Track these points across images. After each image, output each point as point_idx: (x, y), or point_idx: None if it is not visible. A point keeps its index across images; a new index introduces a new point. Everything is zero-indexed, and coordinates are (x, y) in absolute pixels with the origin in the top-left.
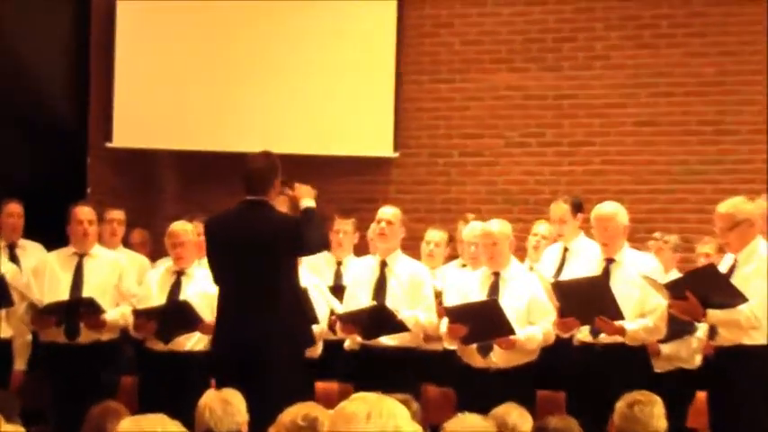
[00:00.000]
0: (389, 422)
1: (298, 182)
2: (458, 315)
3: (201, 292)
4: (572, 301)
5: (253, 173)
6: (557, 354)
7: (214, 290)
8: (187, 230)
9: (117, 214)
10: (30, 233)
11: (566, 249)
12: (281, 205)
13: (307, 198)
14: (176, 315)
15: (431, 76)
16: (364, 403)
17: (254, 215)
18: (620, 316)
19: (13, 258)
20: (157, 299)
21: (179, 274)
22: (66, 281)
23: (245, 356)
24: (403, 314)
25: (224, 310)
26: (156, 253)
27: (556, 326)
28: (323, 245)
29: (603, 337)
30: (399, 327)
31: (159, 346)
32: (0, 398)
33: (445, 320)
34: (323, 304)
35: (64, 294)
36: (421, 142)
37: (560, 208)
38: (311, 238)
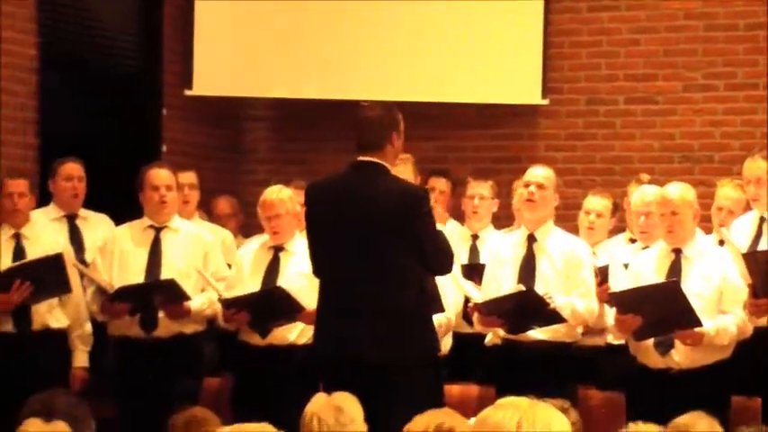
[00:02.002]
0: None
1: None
2: (628, 303)
3: (305, 271)
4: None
5: (365, 124)
6: (754, 349)
7: None
8: (283, 199)
9: (187, 177)
10: (94, 201)
11: (762, 219)
12: (403, 176)
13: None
14: (271, 304)
15: (589, 2)
16: (513, 410)
17: (369, 180)
18: None
19: (74, 232)
20: (251, 282)
21: (277, 250)
22: (140, 260)
23: (360, 357)
24: (556, 301)
25: (330, 300)
26: (246, 226)
27: (746, 309)
28: (447, 267)
29: None
30: (552, 317)
31: (256, 339)
32: (67, 404)
33: (612, 310)
34: (453, 289)
35: (138, 276)
36: (577, 86)
37: (757, 166)
38: (444, 250)
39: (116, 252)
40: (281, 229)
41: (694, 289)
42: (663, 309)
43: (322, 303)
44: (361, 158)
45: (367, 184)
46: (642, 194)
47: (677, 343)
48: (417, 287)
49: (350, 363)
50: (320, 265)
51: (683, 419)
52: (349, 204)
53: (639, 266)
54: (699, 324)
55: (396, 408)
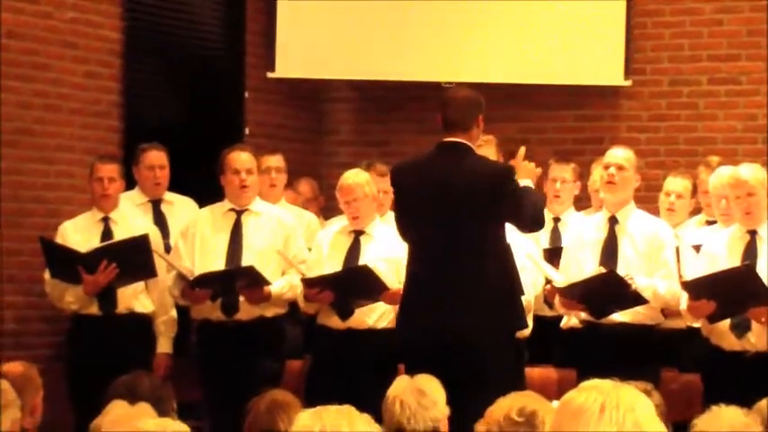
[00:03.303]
0: (628, 417)
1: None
2: (702, 289)
3: (385, 255)
4: None
5: (453, 105)
6: None
7: (401, 252)
8: (361, 183)
9: (274, 161)
10: (177, 184)
11: None
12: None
13: (525, 179)
14: (356, 282)
15: None
16: (597, 392)
17: (456, 160)
18: None
19: (159, 217)
20: (331, 265)
21: (357, 234)
22: (221, 244)
23: (445, 338)
24: (638, 283)
25: (416, 281)
26: (328, 209)
27: None
28: (539, 222)
29: None
30: (634, 299)
31: (335, 322)
32: (151, 387)
33: (685, 296)
34: (533, 272)
35: (219, 260)
36: (660, 67)
37: None
38: (527, 208)
39: (197, 236)
40: (360, 213)
41: None
42: (736, 292)
43: (410, 284)
44: (447, 139)
45: (454, 164)
46: (720, 177)
47: (754, 325)
48: (504, 266)
49: (439, 342)
50: (408, 241)
51: (766, 402)
52: (437, 185)
53: (713, 248)
54: None
55: (479, 389)
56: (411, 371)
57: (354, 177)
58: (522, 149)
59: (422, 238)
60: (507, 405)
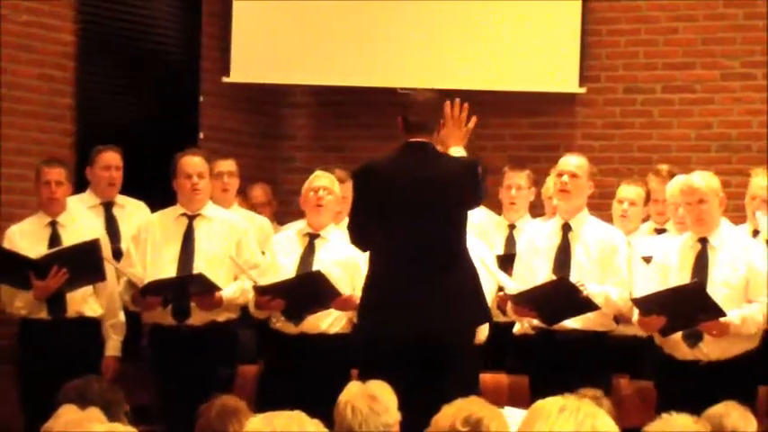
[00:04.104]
0: (587, 421)
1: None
2: (651, 305)
3: (340, 259)
4: None
5: (416, 107)
6: None
7: (355, 256)
8: (335, 182)
9: (227, 165)
10: (130, 188)
11: None
12: None
13: (455, 147)
14: (308, 289)
15: None
16: (562, 400)
17: (424, 159)
18: None
19: (110, 219)
20: (285, 268)
21: (312, 237)
22: (173, 249)
23: (420, 336)
24: (589, 289)
25: (384, 282)
26: (281, 214)
27: None
28: (483, 198)
29: None
30: (585, 305)
31: (288, 327)
32: (101, 391)
33: (636, 310)
34: (488, 279)
35: (171, 265)
36: (615, 75)
37: None
38: (480, 190)
39: (149, 241)
40: (329, 204)
41: (720, 278)
42: (686, 307)
43: (375, 286)
44: (412, 140)
45: (423, 163)
46: (675, 185)
47: (706, 335)
48: (470, 265)
49: (413, 340)
50: (368, 242)
51: (716, 410)
52: (407, 184)
53: (664, 260)
54: (722, 315)
55: (446, 396)
56: (372, 371)
57: (329, 175)
58: (447, 105)
59: (390, 238)
60: (452, 414)
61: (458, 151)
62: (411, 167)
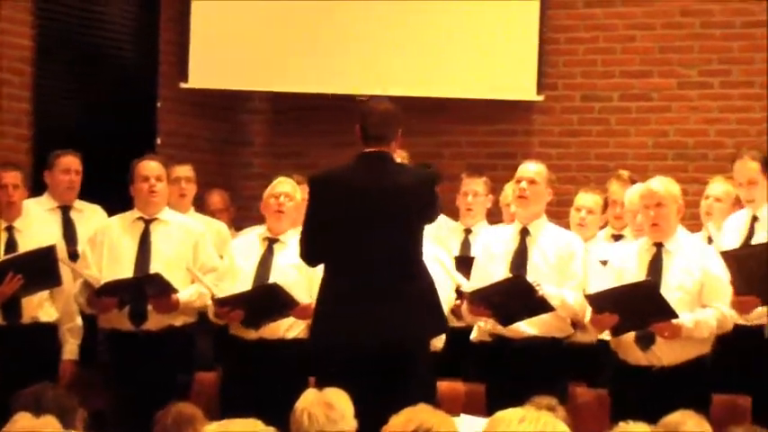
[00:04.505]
0: (546, 428)
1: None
2: (604, 302)
3: (298, 263)
4: (750, 274)
5: (373, 117)
6: (738, 346)
7: None
8: (297, 189)
9: (184, 171)
10: (88, 193)
11: (754, 218)
12: None
13: None
14: (266, 300)
15: None
16: (523, 411)
17: (381, 170)
18: None
19: (68, 223)
20: (243, 273)
21: (271, 242)
22: (129, 252)
23: (373, 350)
24: (545, 290)
25: (337, 292)
26: (239, 220)
27: (732, 306)
28: (439, 212)
29: None
30: (541, 305)
31: (247, 333)
32: (55, 398)
33: (589, 308)
34: (445, 281)
35: (127, 269)
36: (572, 82)
37: (748, 167)
38: (438, 207)
39: (105, 244)
40: (289, 210)
41: (675, 282)
42: (638, 306)
43: (330, 295)
44: (369, 150)
45: (379, 173)
46: (635, 191)
47: (658, 339)
48: (427, 269)
49: (370, 349)
50: (322, 252)
51: (672, 418)
52: (363, 194)
53: (620, 263)
54: (675, 316)
55: (392, 400)
56: (326, 380)
57: (292, 182)
58: None
59: (347, 248)
60: (402, 423)
61: None
62: (369, 177)
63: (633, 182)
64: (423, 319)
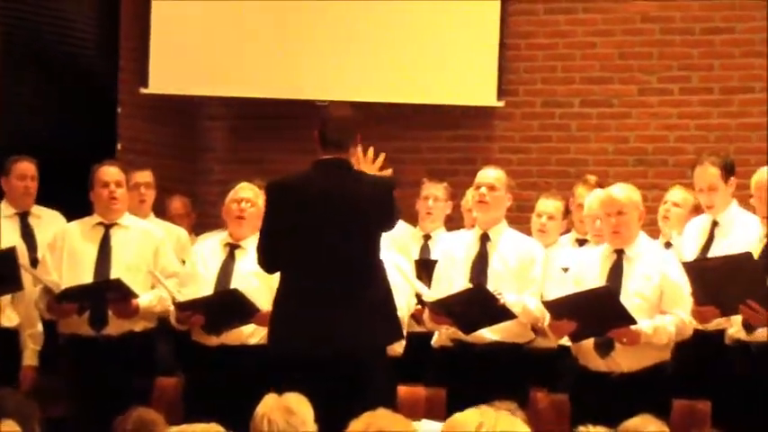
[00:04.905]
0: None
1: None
2: (562, 309)
3: (259, 270)
4: (710, 285)
5: (331, 123)
6: (698, 351)
7: None
8: (260, 195)
9: (144, 176)
10: (47, 199)
11: (714, 223)
12: None
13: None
14: (227, 306)
15: (546, 5)
16: (479, 415)
17: (337, 176)
18: None
19: (26, 230)
20: (204, 279)
21: (232, 248)
22: (89, 258)
23: (332, 352)
24: (506, 298)
25: (294, 298)
26: (200, 226)
27: (692, 316)
28: (396, 220)
29: (760, 333)
30: (502, 313)
31: (208, 339)
32: (15, 404)
33: (548, 315)
34: (405, 289)
35: (87, 274)
36: (533, 89)
37: (709, 172)
38: (395, 215)
39: (65, 249)
40: (251, 216)
41: (635, 289)
42: (596, 313)
43: (286, 301)
44: (327, 157)
45: (336, 180)
46: (595, 198)
47: (618, 345)
48: (384, 276)
49: (324, 356)
50: (276, 259)
51: (632, 423)
52: (319, 201)
53: (580, 269)
54: (633, 322)
55: (360, 403)
56: (283, 386)
57: (252, 186)
58: (359, 148)
59: (304, 255)
60: (361, 428)
61: None
62: (326, 184)
63: (600, 186)
64: (376, 326)
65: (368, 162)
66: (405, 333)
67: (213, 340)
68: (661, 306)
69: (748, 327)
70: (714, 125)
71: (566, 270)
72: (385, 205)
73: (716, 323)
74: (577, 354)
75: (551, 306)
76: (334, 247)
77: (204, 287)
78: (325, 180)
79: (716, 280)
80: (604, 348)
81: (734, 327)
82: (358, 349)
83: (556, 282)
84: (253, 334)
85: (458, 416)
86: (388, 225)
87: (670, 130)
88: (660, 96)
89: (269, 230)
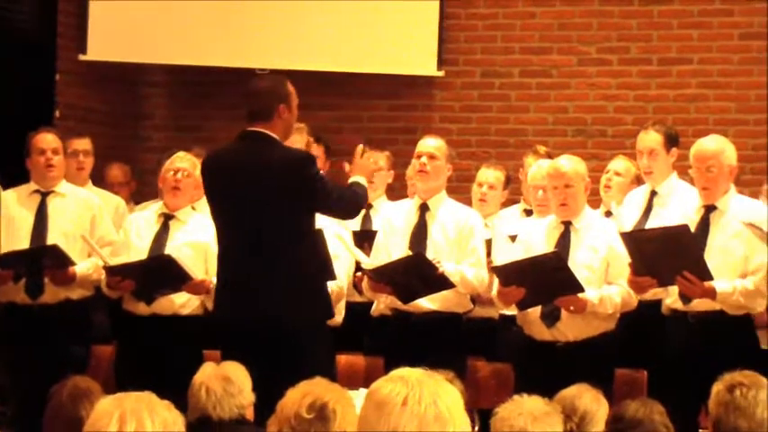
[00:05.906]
0: (430, 411)
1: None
2: (511, 275)
3: (194, 241)
4: (647, 256)
5: (253, 95)
6: (637, 320)
7: (206, 239)
8: (197, 165)
9: (81, 144)
10: None
11: (653, 193)
12: (296, 145)
13: (359, 176)
14: (159, 272)
15: None
16: (402, 385)
17: (256, 149)
18: (707, 275)
19: None
20: (138, 248)
21: (167, 218)
22: (26, 225)
23: (257, 324)
24: (445, 268)
25: (228, 267)
26: (139, 194)
27: (629, 286)
28: (353, 212)
29: (697, 304)
30: (441, 282)
31: (140, 308)
32: None
33: (496, 282)
34: (346, 258)
35: (23, 242)
36: (473, 58)
37: (651, 137)
38: (332, 194)
39: (2, 216)
40: (186, 187)
41: (582, 260)
42: (545, 279)
43: (221, 272)
44: (249, 128)
45: (255, 153)
46: (539, 168)
47: (564, 315)
48: (314, 251)
49: (251, 327)
50: (219, 231)
51: (568, 391)
52: (239, 174)
53: (529, 238)
54: (581, 290)
55: (291, 375)
56: (226, 353)
57: (192, 158)
58: (360, 148)
59: (231, 227)
60: (297, 400)
61: (358, 179)
62: (247, 156)
63: (549, 157)
64: (302, 300)
65: (365, 162)
66: (341, 305)
67: (144, 310)
68: (607, 277)
69: (685, 297)
70: (653, 96)
71: (513, 238)
72: (297, 179)
73: (653, 293)
74: (523, 323)
75: (500, 271)
76: (255, 220)
77: (137, 257)
78: (246, 153)
79: (653, 251)
80: (550, 318)
81: (671, 297)
82: (282, 321)
83: (504, 249)
84: (185, 305)
85: (381, 395)
86: (312, 199)
87: (609, 100)
88: (599, 67)
89: (210, 203)
